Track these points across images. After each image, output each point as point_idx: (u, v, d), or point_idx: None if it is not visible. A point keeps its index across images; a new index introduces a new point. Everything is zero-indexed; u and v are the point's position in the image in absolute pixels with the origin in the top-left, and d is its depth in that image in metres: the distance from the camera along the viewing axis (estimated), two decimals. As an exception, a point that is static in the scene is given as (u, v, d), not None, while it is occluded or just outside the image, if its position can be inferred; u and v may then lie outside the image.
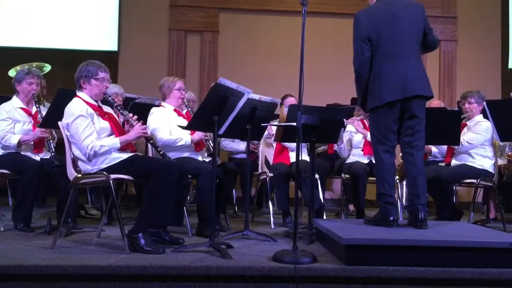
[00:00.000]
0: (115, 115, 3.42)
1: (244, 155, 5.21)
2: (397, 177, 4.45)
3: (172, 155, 3.77)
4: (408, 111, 3.23)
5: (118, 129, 3.30)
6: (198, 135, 3.87)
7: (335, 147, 4.92)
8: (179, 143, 3.83)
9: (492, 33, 6.99)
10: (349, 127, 4.85)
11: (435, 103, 5.74)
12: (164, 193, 3.01)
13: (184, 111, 4.19)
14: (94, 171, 3.15)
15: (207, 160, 4.02)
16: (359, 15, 3.31)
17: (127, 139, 3.21)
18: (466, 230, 3.30)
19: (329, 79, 6.45)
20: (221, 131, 3.37)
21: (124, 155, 3.19)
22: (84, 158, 3.15)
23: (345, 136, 4.84)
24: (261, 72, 6.54)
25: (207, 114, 3.14)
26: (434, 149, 5.16)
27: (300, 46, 2.88)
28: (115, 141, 3.17)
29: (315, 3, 6.69)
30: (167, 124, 3.88)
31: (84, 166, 3.18)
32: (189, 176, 3.62)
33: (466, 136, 4.36)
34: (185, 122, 3.82)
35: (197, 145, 3.95)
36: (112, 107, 3.44)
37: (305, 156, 4.48)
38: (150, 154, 3.88)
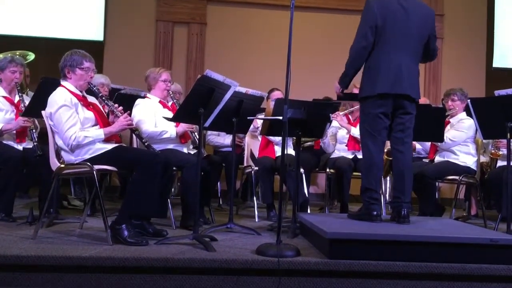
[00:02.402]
0: (99, 106, 3.38)
1: (229, 148, 5.21)
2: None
3: (157, 146, 3.74)
4: (401, 107, 3.24)
5: (102, 119, 3.27)
6: (183, 127, 3.85)
7: (320, 142, 4.94)
8: (164, 136, 3.82)
9: (477, 32, 7.07)
10: (334, 122, 4.87)
11: (420, 100, 5.78)
12: (148, 184, 2.99)
13: (170, 103, 4.17)
14: (77, 161, 3.12)
15: (192, 152, 4.01)
16: (371, 1, 3.24)
17: (111, 131, 3.18)
18: (447, 226, 3.34)
19: (318, 73, 6.46)
20: (207, 124, 3.36)
21: (109, 146, 3.16)
22: (67, 149, 3.11)
23: (330, 131, 4.86)
24: (248, 65, 6.54)
25: (193, 106, 3.12)
26: (418, 145, 5.20)
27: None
28: (99, 132, 3.13)
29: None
30: (152, 116, 3.86)
31: (67, 157, 3.15)
32: (174, 168, 3.60)
33: (449, 133, 4.41)
34: (170, 114, 3.79)
35: (182, 137, 3.93)
36: (97, 97, 3.41)
37: (290, 150, 4.49)
38: (135, 145, 3.85)
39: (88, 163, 3.07)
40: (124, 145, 3.46)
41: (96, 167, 3.06)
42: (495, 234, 3.21)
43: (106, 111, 3.47)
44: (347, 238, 2.74)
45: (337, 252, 2.70)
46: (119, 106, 3.35)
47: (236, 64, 6.49)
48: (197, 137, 3.66)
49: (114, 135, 3.26)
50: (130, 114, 3.46)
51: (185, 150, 3.94)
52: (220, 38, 6.69)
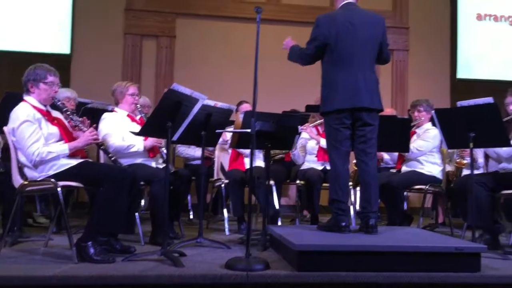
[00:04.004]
0: (64, 120, 3.32)
1: (199, 161, 5.17)
2: (350, 183, 4.53)
3: (125, 161, 3.70)
4: (360, 119, 3.29)
5: (67, 134, 3.21)
6: (151, 141, 3.81)
7: (290, 153, 4.96)
8: (132, 149, 3.77)
9: (441, 44, 7.27)
10: (304, 134, 4.90)
11: (387, 111, 5.87)
12: (114, 200, 2.95)
13: (138, 117, 4.12)
14: (41, 178, 3.04)
15: (161, 166, 3.97)
16: (320, 18, 3.37)
17: (76, 146, 3.12)
18: (414, 235, 3.39)
19: (286, 86, 6.52)
20: (175, 137, 3.33)
21: (74, 162, 3.10)
22: (30, 165, 3.04)
23: (300, 143, 4.89)
24: (218, 78, 6.55)
25: (160, 120, 3.10)
26: (386, 156, 5.29)
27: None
28: (64, 147, 3.07)
29: (273, 10, 6.80)
30: (119, 130, 3.81)
31: (30, 173, 3.07)
32: (142, 183, 3.56)
33: (415, 143, 4.49)
34: (138, 128, 3.75)
35: (151, 151, 3.89)
36: (61, 112, 3.34)
37: (260, 163, 4.49)
38: (102, 161, 3.79)
39: (52, 180, 3.00)
40: (90, 160, 3.40)
41: (61, 183, 2.99)
42: (460, 242, 3.28)
43: (72, 125, 3.41)
44: (315, 249, 2.74)
45: (306, 264, 2.70)
46: (87, 120, 3.30)
47: (205, 77, 6.49)
48: (165, 151, 3.63)
49: (80, 150, 3.21)
50: (96, 128, 3.41)
51: (153, 165, 3.89)
52: (190, 51, 6.69)
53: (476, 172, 4.28)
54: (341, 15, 3.37)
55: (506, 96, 3.96)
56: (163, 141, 3.88)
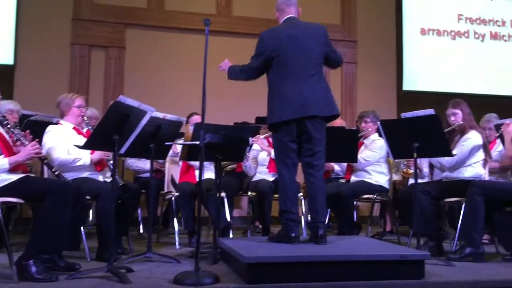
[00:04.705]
0: (4, 134, 3.18)
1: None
2: (301, 194, 4.58)
3: (71, 175, 3.59)
4: (306, 133, 3.33)
5: (7, 148, 3.07)
6: (98, 154, 3.72)
7: (242, 165, 4.96)
8: (78, 163, 3.66)
9: (388, 57, 7.51)
10: (255, 145, 4.92)
11: (337, 122, 5.99)
12: (57, 216, 2.84)
13: (85, 130, 4.01)
14: (-22, 194, 2.90)
15: (109, 180, 3.87)
16: (264, 34, 3.46)
17: (17, 160, 3.00)
18: (362, 244, 3.45)
19: (237, 97, 6.53)
20: (122, 150, 3.27)
21: (14, 177, 2.97)
22: (-34, 181, 2.89)
23: (251, 154, 4.91)
24: (169, 90, 6.49)
25: (106, 133, 3.03)
26: (336, 167, 5.39)
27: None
28: (3, 162, 2.95)
29: (224, 22, 6.82)
30: (65, 143, 3.69)
31: (-33, 189, 2.92)
32: (88, 197, 3.46)
33: (363, 154, 4.60)
34: (84, 141, 3.64)
35: (98, 165, 3.79)
36: (2, 126, 3.21)
37: (212, 175, 4.46)
38: (46, 175, 3.66)
39: (-9, 196, 2.87)
40: (32, 175, 3.28)
41: (0, 199, 2.86)
42: (405, 250, 3.37)
43: (15, 139, 3.27)
44: (264, 261, 2.74)
45: (255, 276, 2.69)
46: (30, 134, 3.18)
47: (156, 88, 6.43)
48: (111, 165, 3.54)
49: (21, 165, 3.09)
50: (40, 142, 3.29)
51: (100, 178, 3.79)
52: (140, 62, 6.60)
53: (421, 181, 4.45)
54: (283, 29, 3.46)
55: (448, 108, 4.11)
56: (111, 154, 3.79)
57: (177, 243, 4.22)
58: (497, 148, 4.63)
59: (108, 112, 3.01)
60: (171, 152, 4.31)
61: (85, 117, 3.98)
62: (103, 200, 3.47)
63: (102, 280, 2.76)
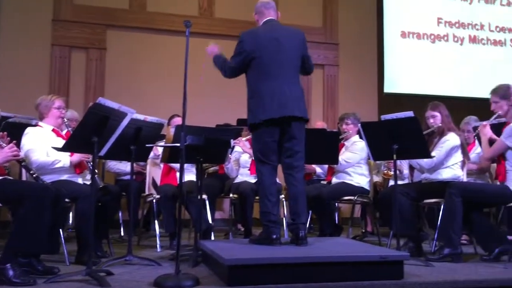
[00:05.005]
0: (-19, 136, 3.14)
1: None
2: (283, 196, 4.60)
3: (50, 178, 3.55)
4: (287, 132, 3.35)
5: (-16, 152, 3.03)
6: (78, 156, 3.68)
7: (224, 167, 4.96)
8: (57, 165, 3.61)
9: (369, 59, 7.58)
10: (237, 147, 4.92)
11: (318, 124, 6.05)
12: (35, 219, 2.81)
13: (64, 131, 3.97)
14: (-46, 197, 2.85)
15: (89, 182, 3.83)
16: (244, 34, 3.48)
17: (-6, 163, 2.96)
18: (343, 245, 3.47)
19: (221, 100, 6.52)
20: (102, 152, 3.24)
21: (-10, 180, 2.93)
22: None
23: (233, 156, 4.91)
24: (150, 91, 6.46)
25: (85, 135, 3.00)
26: (318, 169, 5.42)
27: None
28: (-20, 165, 2.91)
29: (206, 24, 6.82)
30: (43, 145, 3.64)
31: None
32: (67, 200, 3.42)
33: (344, 156, 4.63)
34: (63, 143, 3.61)
35: (77, 167, 3.75)
36: (-22, 127, 3.16)
37: (193, 177, 4.45)
38: (24, 178, 3.60)
39: (-33, 199, 2.82)
40: (9, 177, 3.23)
41: (-24, 203, 2.82)
42: (385, 251, 3.40)
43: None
44: (245, 263, 2.74)
45: (236, 278, 2.69)
46: (7, 136, 3.13)
47: (137, 90, 6.39)
48: (91, 167, 3.51)
49: (-2, 168, 3.04)
50: (18, 144, 3.24)
51: (80, 181, 3.75)
52: (121, 64, 6.55)
53: (401, 182, 4.50)
54: (263, 30, 3.49)
55: (427, 110, 4.17)
56: (91, 157, 3.75)
57: (158, 245, 4.19)
58: (476, 150, 4.71)
59: (87, 114, 2.99)
60: (152, 154, 4.29)
61: (65, 119, 3.93)
62: (82, 203, 3.43)
63: (81, 284, 2.73)
